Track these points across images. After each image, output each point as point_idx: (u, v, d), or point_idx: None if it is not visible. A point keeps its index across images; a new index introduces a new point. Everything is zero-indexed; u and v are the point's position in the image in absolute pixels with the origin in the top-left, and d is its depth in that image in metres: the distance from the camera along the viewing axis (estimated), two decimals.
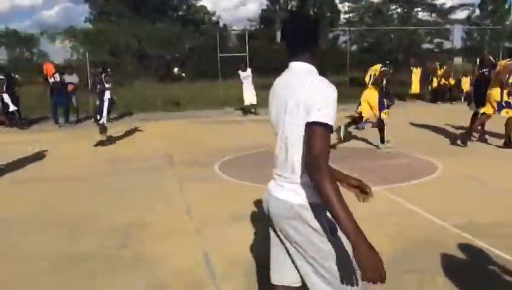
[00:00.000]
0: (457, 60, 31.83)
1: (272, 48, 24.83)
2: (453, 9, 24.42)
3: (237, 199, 5.41)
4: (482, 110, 8.30)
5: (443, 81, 17.38)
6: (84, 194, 5.95)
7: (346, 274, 1.77)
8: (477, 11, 25.96)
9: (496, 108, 8.03)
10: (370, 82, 8.37)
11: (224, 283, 3.36)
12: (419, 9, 24.29)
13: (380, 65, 8.86)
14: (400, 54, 22.33)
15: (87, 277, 3.55)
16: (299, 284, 1.96)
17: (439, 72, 17.51)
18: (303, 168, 1.78)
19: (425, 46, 24.30)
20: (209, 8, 39.52)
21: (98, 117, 9.15)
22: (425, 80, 17.96)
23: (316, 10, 27.11)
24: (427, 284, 3.23)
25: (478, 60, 9.30)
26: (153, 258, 3.83)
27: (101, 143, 9.29)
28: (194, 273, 3.52)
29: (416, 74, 18.03)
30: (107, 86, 9.13)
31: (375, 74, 8.59)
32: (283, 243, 1.92)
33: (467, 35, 25.36)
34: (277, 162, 1.90)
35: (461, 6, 24.80)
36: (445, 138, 9.44)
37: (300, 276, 1.91)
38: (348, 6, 25.13)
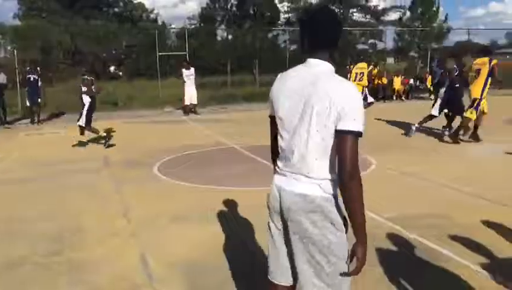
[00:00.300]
0: (390, 60, 33.40)
1: (212, 46, 24.72)
2: (385, 11, 25.60)
3: (177, 200, 5.33)
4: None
5: (377, 80, 18.14)
6: (14, 199, 5.61)
7: (343, 270, 1.84)
8: (408, 13, 27.29)
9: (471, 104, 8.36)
10: (358, 79, 8.48)
11: (161, 285, 3.30)
12: (355, 10, 25.24)
13: (366, 64, 9.16)
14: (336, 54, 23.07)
15: (18, 286, 3.36)
16: (290, 284, 2.01)
17: (374, 72, 18.24)
18: (322, 166, 1.81)
19: (360, 46, 25.25)
20: (147, 5, 38.72)
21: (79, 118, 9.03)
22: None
23: (255, 9, 27.27)
24: (366, 275, 3.34)
25: (436, 60, 9.52)
26: (87, 263, 3.68)
27: (79, 143, 9.11)
28: (131, 278, 3.42)
29: (352, 74, 18.68)
30: (83, 89, 8.92)
31: (362, 72, 8.82)
32: (287, 240, 1.92)
33: (398, 36, 26.62)
34: (291, 159, 1.86)
35: (393, 8, 26.04)
36: (381, 135, 9.83)
37: (293, 276, 1.96)
38: (288, 7, 25.58)
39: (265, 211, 2.04)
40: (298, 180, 1.85)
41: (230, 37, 25.68)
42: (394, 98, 18.53)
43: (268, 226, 2.03)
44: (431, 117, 9.27)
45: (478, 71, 8.26)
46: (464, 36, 33.99)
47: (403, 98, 18.64)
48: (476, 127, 8.58)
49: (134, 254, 3.83)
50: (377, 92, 18.21)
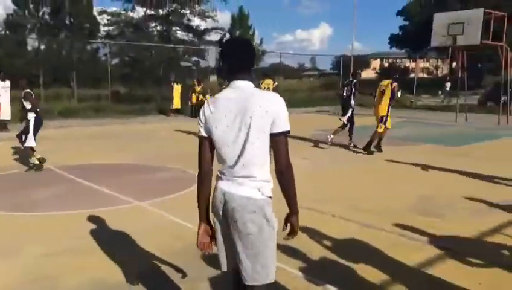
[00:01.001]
0: (213, 78, 34.83)
1: (22, 56, 22.16)
2: (207, 31, 26.57)
3: None
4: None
5: (201, 97, 18.68)
6: None
7: (272, 256, 2.24)
8: (228, 35, 28.85)
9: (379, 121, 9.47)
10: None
11: None
12: (178, 28, 25.61)
13: (271, 80, 10.00)
14: (160, 70, 22.97)
15: None
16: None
17: (198, 89, 18.76)
18: (261, 170, 2.16)
19: (184, 64, 25.70)
20: None
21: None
22: (185, 96, 18.99)
23: (72, 20, 25.46)
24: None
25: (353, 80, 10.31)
26: None
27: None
28: None
29: (177, 89, 18.94)
30: (28, 106, 7.73)
31: (268, 87, 9.39)
32: (230, 233, 2.21)
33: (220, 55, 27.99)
34: (234, 166, 2.17)
35: (214, 29, 27.17)
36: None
37: (242, 269, 2.21)
38: (108, 19, 24.53)
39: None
40: (242, 184, 2.17)
41: (43, 47, 23.41)
42: None
43: (214, 223, 2.32)
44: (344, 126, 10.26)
45: (383, 92, 9.44)
46: (276, 59, 37.53)
47: None
48: (380, 140, 9.73)
49: None
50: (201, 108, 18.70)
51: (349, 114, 10.12)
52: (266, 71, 22.62)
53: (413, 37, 34.85)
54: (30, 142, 7.63)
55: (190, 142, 11.30)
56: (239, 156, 2.14)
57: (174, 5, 24.12)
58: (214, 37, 28.06)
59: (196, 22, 25.52)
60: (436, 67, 51.79)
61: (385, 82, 9.70)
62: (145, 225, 4.88)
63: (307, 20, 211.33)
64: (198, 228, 2.34)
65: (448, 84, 26.18)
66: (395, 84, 9.54)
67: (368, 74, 53.71)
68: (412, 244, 4.33)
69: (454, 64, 18.87)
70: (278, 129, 2.11)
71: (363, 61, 50.56)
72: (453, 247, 4.21)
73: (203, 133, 2.26)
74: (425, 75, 49.97)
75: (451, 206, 5.61)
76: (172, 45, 23.49)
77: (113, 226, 4.76)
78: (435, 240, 4.39)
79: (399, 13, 41.34)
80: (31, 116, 7.69)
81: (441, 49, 14.73)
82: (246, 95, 2.15)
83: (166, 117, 18.20)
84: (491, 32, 14.87)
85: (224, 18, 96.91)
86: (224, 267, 2.35)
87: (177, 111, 19.04)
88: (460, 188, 6.50)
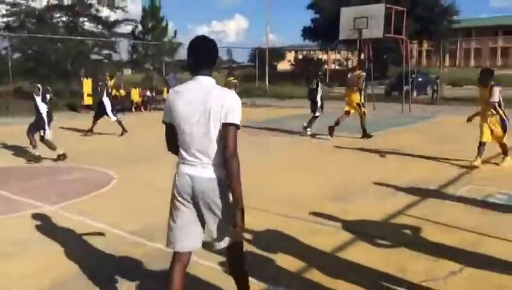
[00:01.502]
0: (127, 72, 33.58)
1: None
2: (117, 23, 25.49)
3: None
4: (346, 109, 10.75)
5: (114, 92, 17.94)
6: None
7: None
8: (140, 27, 27.90)
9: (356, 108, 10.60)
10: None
11: None
12: (86, 19, 24.27)
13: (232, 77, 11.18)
14: (68, 64, 21.68)
15: None
16: (197, 249, 2.66)
17: (110, 83, 17.98)
18: (217, 154, 2.45)
19: (95, 57, 24.47)
20: None
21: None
22: (96, 91, 18.08)
23: None
24: None
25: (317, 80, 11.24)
26: None
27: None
28: None
29: (87, 84, 17.99)
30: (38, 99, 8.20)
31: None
32: (199, 213, 2.54)
33: (133, 48, 26.94)
34: (196, 152, 2.47)
35: (125, 20, 26.13)
36: (125, 148, 9.75)
37: (212, 239, 2.55)
38: (6, 10, 22.60)
39: None
40: (206, 168, 2.48)
41: None
42: (133, 109, 18.72)
43: (176, 206, 2.58)
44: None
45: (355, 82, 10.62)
46: None
47: (142, 109, 19.02)
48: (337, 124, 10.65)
49: None
50: (116, 103, 18.02)
51: (319, 104, 10.98)
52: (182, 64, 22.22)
53: (324, 30, 36.22)
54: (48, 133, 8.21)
55: (97, 139, 10.86)
56: (200, 142, 2.46)
57: None
58: (125, 29, 27.05)
59: (105, 13, 24.38)
60: (347, 59, 54.39)
61: (358, 73, 10.88)
62: (57, 230, 4.61)
63: (222, 12, 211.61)
64: None
65: None
66: (363, 73, 10.97)
67: (283, 65, 55.14)
68: (327, 230, 4.54)
69: (362, 56, 19.92)
70: (229, 120, 2.40)
71: (279, 54, 51.77)
72: (364, 230, 4.49)
73: (166, 120, 2.58)
74: (337, 67, 52.27)
75: (361, 192, 5.95)
76: (80, 37, 22.26)
77: (21, 234, 4.45)
78: (347, 225, 4.64)
79: (309, 6, 42.69)
80: (43, 108, 8.20)
81: (350, 41, 15.50)
82: (206, 89, 2.47)
83: (77, 114, 17.27)
84: (392, 26, 15.94)
85: (136, 9, 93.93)
86: (181, 248, 2.60)
87: (89, 107, 18.13)
88: (369, 175, 6.92)
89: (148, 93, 19.96)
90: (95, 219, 4.89)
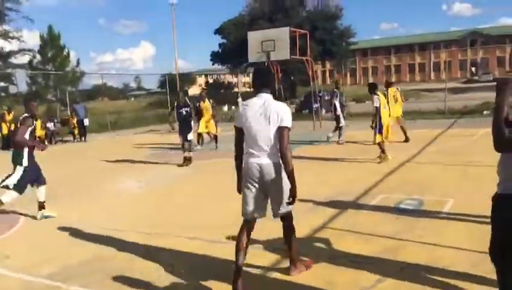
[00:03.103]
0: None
1: None
2: (12, 53, 23.88)
3: None
4: None
5: (13, 127, 16.61)
6: None
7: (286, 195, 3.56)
8: (38, 57, 26.32)
9: None
10: None
11: None
12: None
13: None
14: None
15: None
16: (262, 217, 3.66)
17: (9, 118, 16.67)
18: (276, 147, 3.47)
19: None
20: None
21: None
22: None
23: None
24: None
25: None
26: None
27: None
28: None
29: None
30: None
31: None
32: (265, 190, 3.55)
33: (32, 79, 25.29)
34: (262, 146, 3.48)
35: (21, 51, 24.58)
36: (61, 183, 8.95)
37: (273, 209, 3.64)
38: None
39: None
40: (268, 157, 3.48)
41: None
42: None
43: (248, 187, 3.55)
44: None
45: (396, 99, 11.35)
46: (98, 80, 35.68)
47: (46, 143, 17.77)
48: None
49: None
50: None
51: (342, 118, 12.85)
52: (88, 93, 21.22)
53: (232, 53, 36.99)
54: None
55: None
56: (264, 139, 3.46)
57: None
58: (23, 59, 25.39)
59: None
60: None
61: (392, 89, 11.36)
62: None
63: (127, 39, 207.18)
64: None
65: None
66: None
67: (195, 90, 55.14)
68: (252, 252, 4.48)
69: None
70: (283, 124, 3.43)
71: (189, 79, 51.69)
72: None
73: (238, 125, 3.59)
74: (247, 89, 53.40)
75: None
76: None
77: None
78: (273, 244, 4.63)
79: (216, 31, 43.42)
80: None
81: (258, 64, 15.89)
82: (266, 102, 3.51)
83: None
84: (297, 48, 16.69)
85: (34, 38, 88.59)
86: (250, 216, 3.59)
87: None
88: None
89: (52, 125, 18.70)
90: (2, 265, 4.39)
